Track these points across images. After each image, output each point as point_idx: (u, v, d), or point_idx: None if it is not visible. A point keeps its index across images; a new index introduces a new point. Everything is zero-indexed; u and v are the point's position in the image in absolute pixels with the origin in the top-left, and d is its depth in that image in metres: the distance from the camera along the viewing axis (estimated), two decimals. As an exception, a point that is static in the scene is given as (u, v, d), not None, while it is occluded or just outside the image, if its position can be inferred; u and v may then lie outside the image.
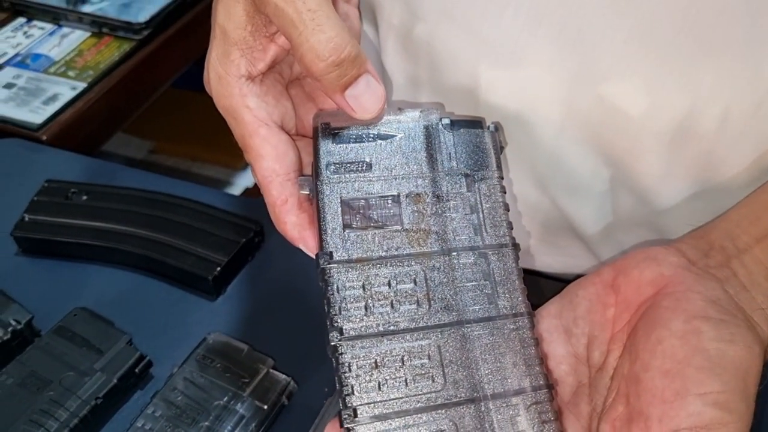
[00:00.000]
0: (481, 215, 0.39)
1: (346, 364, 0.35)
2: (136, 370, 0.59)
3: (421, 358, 0.36)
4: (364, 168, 0.39)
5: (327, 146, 0.39)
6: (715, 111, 0.46)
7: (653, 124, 0.46)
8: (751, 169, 0.47)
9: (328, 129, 0.40)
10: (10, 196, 0.75)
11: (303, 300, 0.67)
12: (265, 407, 0.56)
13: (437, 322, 0.36)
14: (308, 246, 0.41)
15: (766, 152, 0.47)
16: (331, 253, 0.37)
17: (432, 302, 0.37)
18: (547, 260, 0.62)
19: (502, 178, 0.40)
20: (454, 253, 0.38)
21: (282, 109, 0.43)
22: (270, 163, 0.41)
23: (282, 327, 0.64)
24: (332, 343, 0.36)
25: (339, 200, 0.38)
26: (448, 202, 0.39)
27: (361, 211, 0.38)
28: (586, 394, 0.39)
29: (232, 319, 0.65)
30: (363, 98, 0.38)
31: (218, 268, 0.66)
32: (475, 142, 0.40)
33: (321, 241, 0.38)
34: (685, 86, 0.45)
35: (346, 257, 0.37)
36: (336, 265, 0.37)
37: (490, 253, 0.38)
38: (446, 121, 0.40)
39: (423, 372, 0.36)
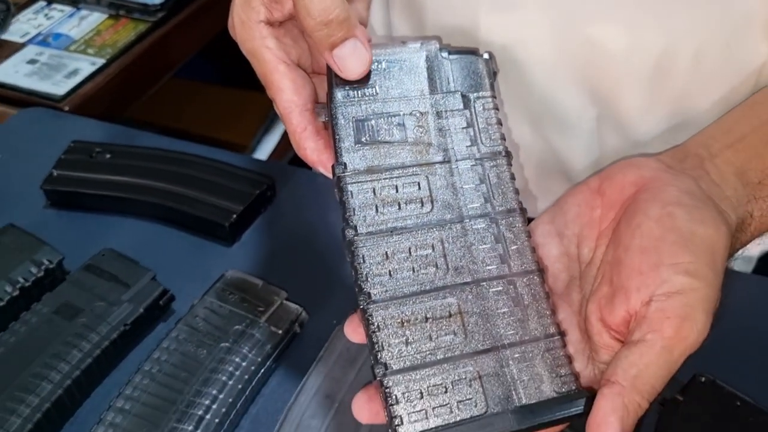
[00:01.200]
0: (476, 129, 0.44)
1: (361, 256, 0.40)
2: (161, 302, 0.64)
3: (425, 249, 0.41)
4: (372, 93, 0.44)
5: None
6: (688, 49, 0.51)
7: (633, 62, 0.52)
8: (721, 104, 0.53)
9: None
10: (39, 157, 0.80)
11: (312, 247, 0.72)
12: (280, 332, 0.61)
13: (440, 218, 0.42)
14: (326, 167, 0.46)
15: (735, 88, 0.52)
16: (345, 163, 0.42)
17: (434, 203, 0.42)
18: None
19: (495, 98, 0.45)
20: (454, 161, 0.43)
21: (299, 50, 0.49)
22: (289, 95, 0.46)
23: (294, 268, 0.69)
24: (347, 239, 0.41)
25: (351, 120, 0.43)
26: (447, 119, 0.44)
27: (371, 129, 0.43)
28: (577, 285, 0.44)
29: (247, 262, 0.70)
30: (348, 60, 0.42)
31: (234, 216, 0.71)
32: (471, 67, 0.46)
33: (336, 154, 0.43)
34: (661, 26, 0.51)
35: (359, 167, 0.42)
36: (350, 173, 0.42)
37: (485, 160, 0.43)
38: (444, 49, 0.46)
39: (428, 261, 0.41)
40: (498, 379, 0.39)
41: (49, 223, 0.74)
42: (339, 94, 0.44)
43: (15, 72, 0.97)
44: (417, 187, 0.42)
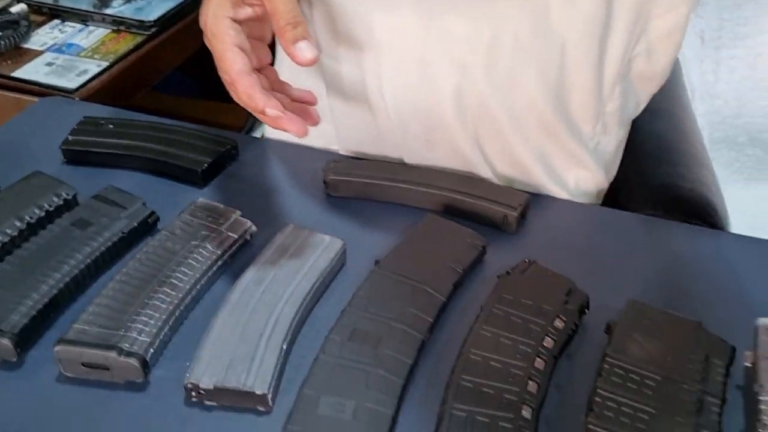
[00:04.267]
0: None
1: None
2: (149, 220, 0.87)
3: None
4: None
5: None
6: (509, 34, 0.77)
7: (474, 44, 0.78)
8: (539, 75, 0.78)
9: None
10: (56, 130, 1.04)
11: (263, 189, 0.96)
12: (235, 236, 0.84)
13: None
14: (273, 107, 0.65)
15: (546, 62, 0.78)
16: None
17: None
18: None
19: None
20: None
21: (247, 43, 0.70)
22: (240, 66, 0.66)
23: (248, 200, 0.93)
24: None
25: None
26: None
27: None
28: None
29: (214, 199, 0.93)
30: (305, 50, 0.62)
31: (205, 164, 0.95)
32: None
33: None
34: (489, 17, 0.76)
35: None
36: None
37: None
38: None
39: None
40: None
41: (66, 174, 0.97)
42: None
43: (36, 71, 1.22)
44: None
